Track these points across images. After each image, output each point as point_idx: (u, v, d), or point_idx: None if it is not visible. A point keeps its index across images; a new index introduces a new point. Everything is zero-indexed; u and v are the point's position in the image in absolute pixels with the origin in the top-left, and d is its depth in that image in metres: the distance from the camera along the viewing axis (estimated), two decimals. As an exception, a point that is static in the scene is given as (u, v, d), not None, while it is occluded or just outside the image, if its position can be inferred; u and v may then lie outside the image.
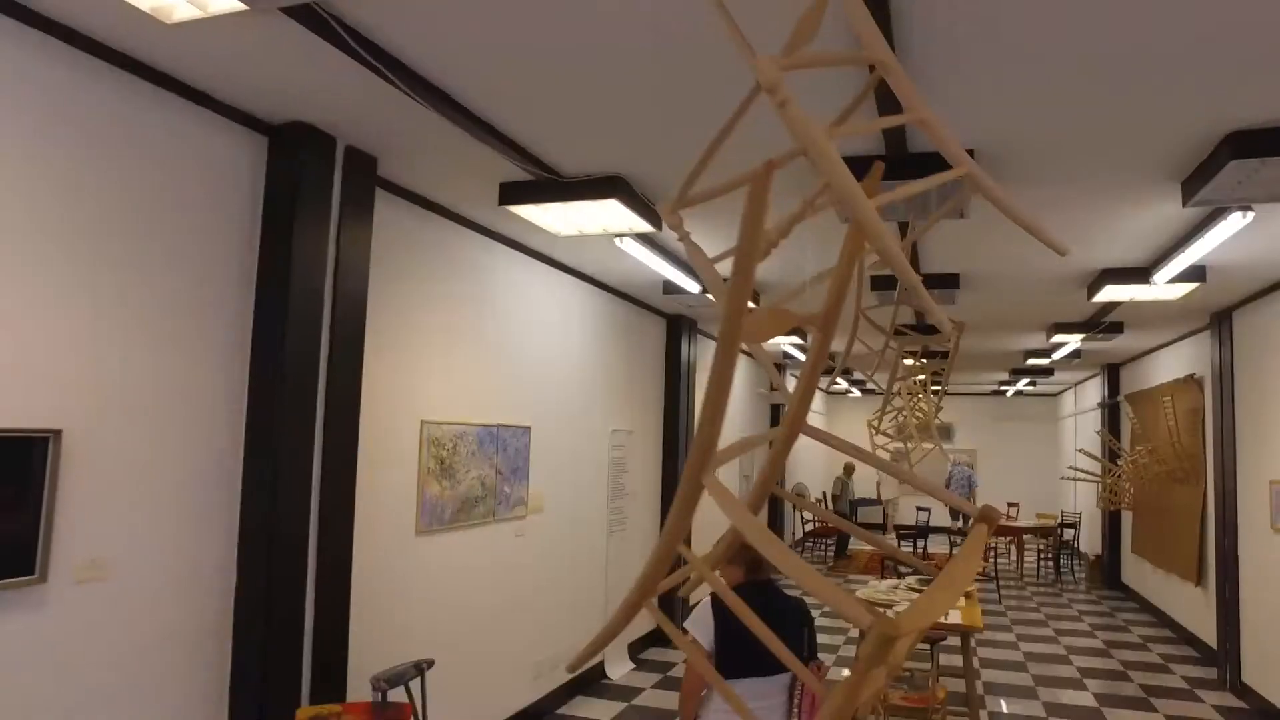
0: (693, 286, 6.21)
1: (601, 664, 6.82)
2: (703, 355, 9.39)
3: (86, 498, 2.78)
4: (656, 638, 7.91)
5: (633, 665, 7.22)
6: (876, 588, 6.27)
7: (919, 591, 6.20)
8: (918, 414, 6.83)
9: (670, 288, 6.55)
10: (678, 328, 8.45)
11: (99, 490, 2.83)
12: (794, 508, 13.70)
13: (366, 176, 3.86)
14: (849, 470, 14.47)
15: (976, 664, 7.47)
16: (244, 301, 3.41)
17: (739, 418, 11.41)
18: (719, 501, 0.96)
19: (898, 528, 15.35)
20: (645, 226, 4.45)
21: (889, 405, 6.39)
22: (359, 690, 3.73)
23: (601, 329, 6.88)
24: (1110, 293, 5.78)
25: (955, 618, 5.41)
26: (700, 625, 2.94)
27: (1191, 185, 3.69)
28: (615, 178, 3.96)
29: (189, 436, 3.16)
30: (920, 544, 12.66)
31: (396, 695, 3.81)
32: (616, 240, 4.88)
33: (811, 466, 16.91)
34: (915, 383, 7.71)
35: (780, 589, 3.16)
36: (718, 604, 2.93)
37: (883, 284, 5.43)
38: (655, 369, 8.22)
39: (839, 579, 12.03)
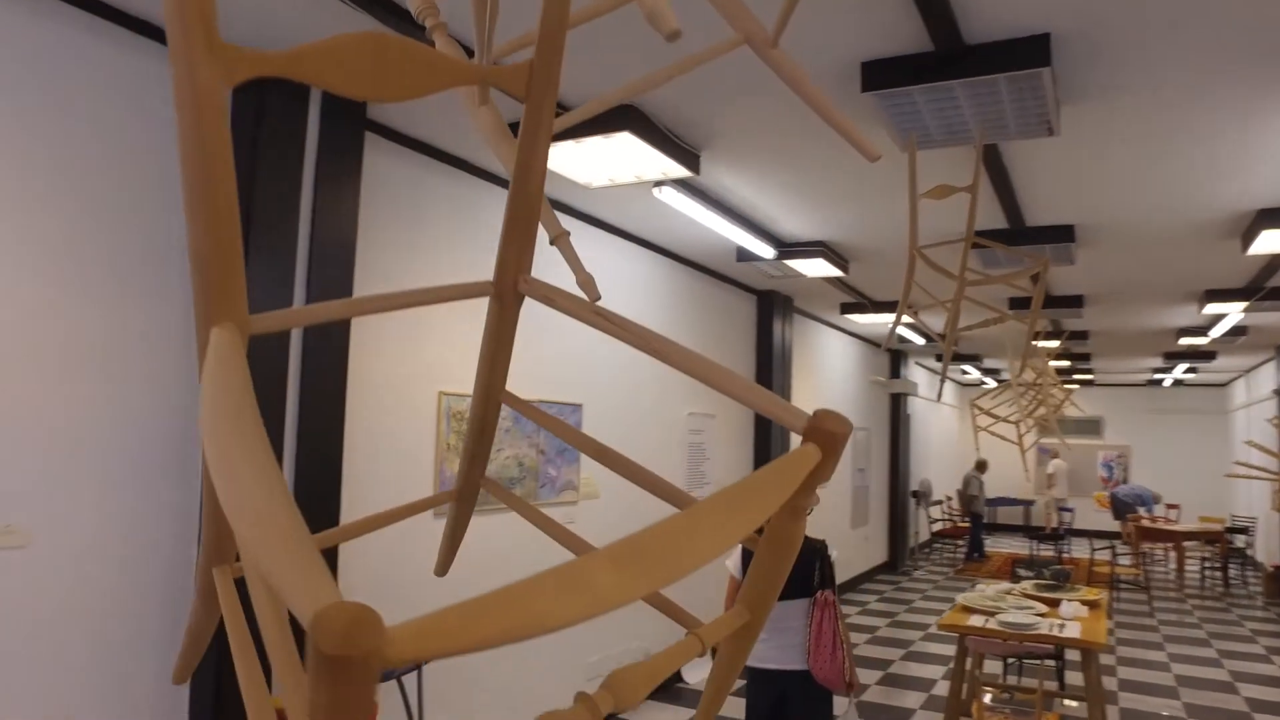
0: (767, 252, 5.59)
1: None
2: (800, 334, 8.69)
3: (6, 459, 2.52)
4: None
5: (714, 669, 6.64)
6: (983, 592, 5.44)
7: (1035, 598, 5.34)
8: (1046, 399, 5.93)
9: (744, 255, 5.95)
10: (770, 305, 7.80)
11: (22, 451, 2.57)
12: (918, 505, 12.69)
13: (353, 123, 3.50)
14: (981, 466, 13.27)
15: (1114, 686, 6.46)
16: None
17: (852, 406, 10.59)
18: None
19: (1028, 529, 14.07)
20: (680, 170, 3.91)
21: (1016, 382, 5.58)
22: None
23: (675, 304, 6.35)
24: (1270, 241, 4.74)
25: (1072, 630, 4.55)
26: (733, 561, 3.73)
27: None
28: (626, 107, 3.43)
29: (138, 398, 2.88)
30: (1060, 546, 11.40)
31: (388, 691, 3.44)
32: (655, 191, 4.35)
33: (943, 461, 15.71)
34: (1043, 360, 6.77)
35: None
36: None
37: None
38: (744, 349, 7.61)
39: (966, 581, 10.98)
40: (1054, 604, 5.16)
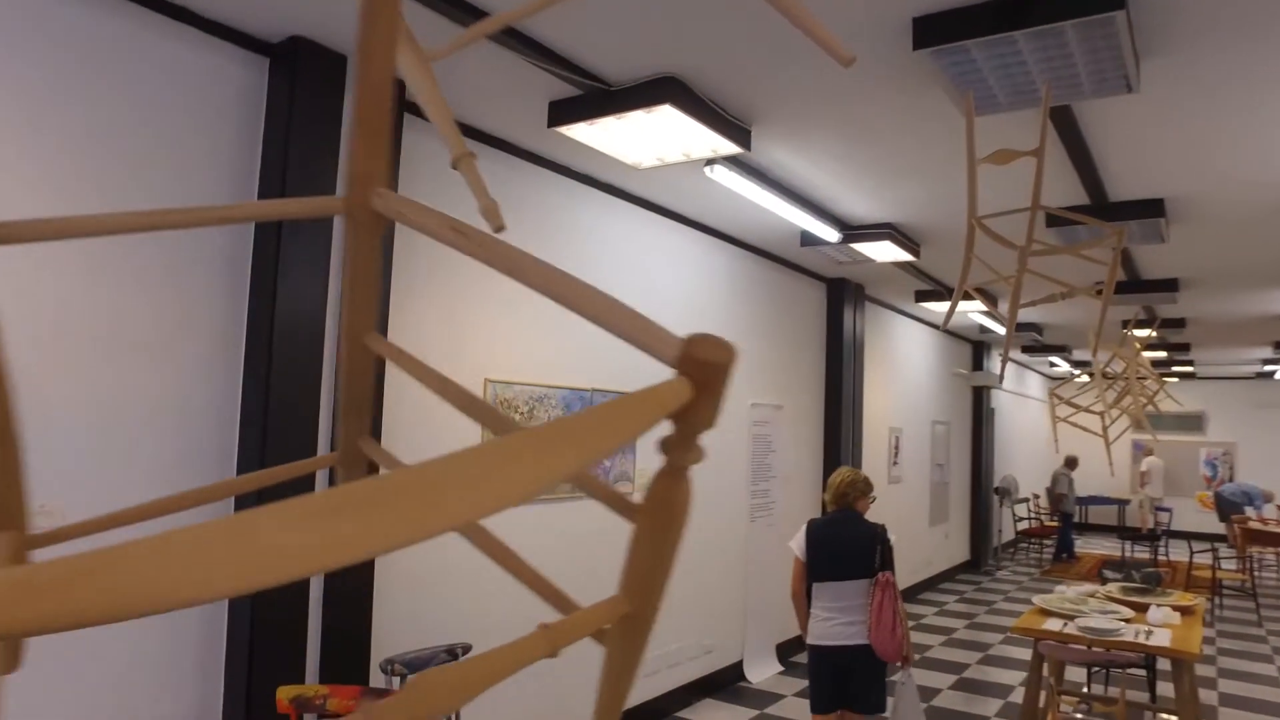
0: (831, 235, 5.35)
1: (740, 663, 6.11)
2: (874, 324, 8.38)
3: (39, 442, 2.53)
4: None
5: (780, 668, 6.44)
6: (1063, 594, 5.10)
7: (1121, 602, 4.97)
8: (1136, 391, 5.52)
9: (808, 239, 5.72)
10: (840, 293, 7.52)
11: (60, 434, 2.58)
12: (1000, 503, 12.14)
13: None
14: (1071, 463, 12.62)
15: (1214, 700, 6.00)
16: (242, 244, 3.09)
17: (930, 399, 10.19)
18: None
19: (1121, 530, 13.35)
20: (730, 146, 3.74)
21: (1101, 370, 5.20)
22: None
23: (738, 290, 6.16)
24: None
25: (1160, 638, 4.20)
26: (797, 542, 4.00)
27: None
28: (667, 79, 3.28)
29: (179, 385, 2.87)
30: (1156, 548, 10.73)
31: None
32: (706, 170, 4.18)
33: (1031, 458, 15.03)
34: (1132, 349, 6.34)
35: (859, 516, 3.96)
36: (809, 527, 3.99)
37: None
38: (813, 338, 7.36)
39: (1052, 583, 10.44)
40: (1142, 609, 4.79)
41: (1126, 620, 4.56)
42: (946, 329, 10.50)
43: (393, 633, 3.53)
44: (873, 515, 4.06)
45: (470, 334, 3.99)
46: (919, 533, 9.83)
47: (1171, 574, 6.93)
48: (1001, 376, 2.97)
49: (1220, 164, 4.05)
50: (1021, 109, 3.07)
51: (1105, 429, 5.09)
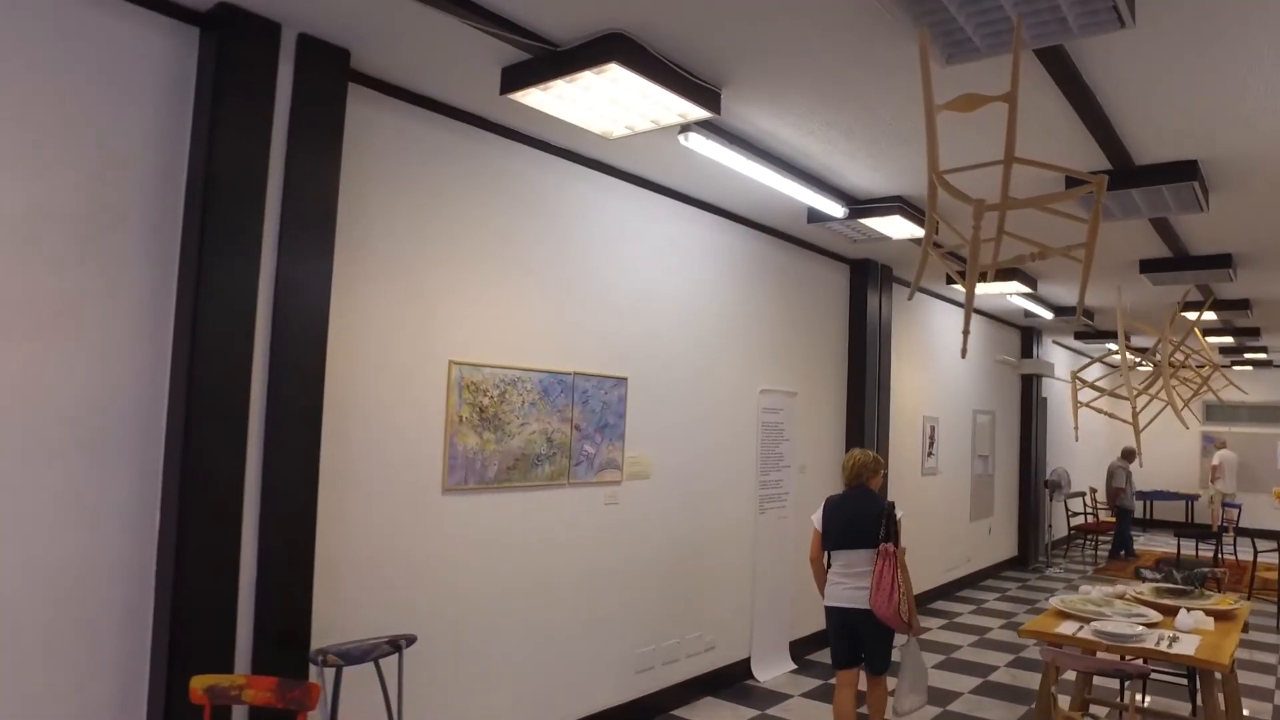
0: (836, 210, 5.04)
1: (748, 660, 5.86)
2: (904, 308, 7.98)
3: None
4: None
5: (793, 666, 6.16)
6: (1088, 594, 4.72)
7: (1150, 604, 4.57)
8: (1170, 378, 5.08)
9: (814, 215, 5.41)
10: (864, 275, 7.17)
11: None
12: (1050, 497, 11.55)
13: (334, 73, 3.27)
14: (1128, 455, 11.95)
15: (1267, 715, 5.52)
16: (170, 219, 2.96)
17: (969, 387, 9.72)
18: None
19: (1179, 526, 12.66)
20: (698, 110, 3.48)
21: (1123, 352, 4.78)
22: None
23: (751, 272, 5.87)
24: None
25: (1186, 646, 3.82)
26: (816, 515, 4.47)
27: None
28: (613, 35, 3.03)
29: (88, 364, 2.76)
30: (1219, 545, 10.07)
31: (362, 674, 3.23)
32: (681, 139, 3.92)
33: (1088, 451, 14.32)
34: (1170, 332, 5.86)
35: (871, 492, 4.42)
36: (827, 501, 4.49)
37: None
38: (835, 323, 7.02)
39: (1105, 582, 9.88)
40: (1172, 612, 4.39)
41: (1152, 625, 4.17)
42: (983, 312, 10.00)
43: (336, 623, 3.38)
44: (900, 500, 4.58)
45: (435, 314, 3.82)
46: (958, 527, 9.39)
47: (1231, 574, 6.42)
48: (964, 351, 2.66)
49: (1257, 112, 3.61)
50: (1001, 53, 2.74)
51: (1135, 415, 4.66)
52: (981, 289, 7.74)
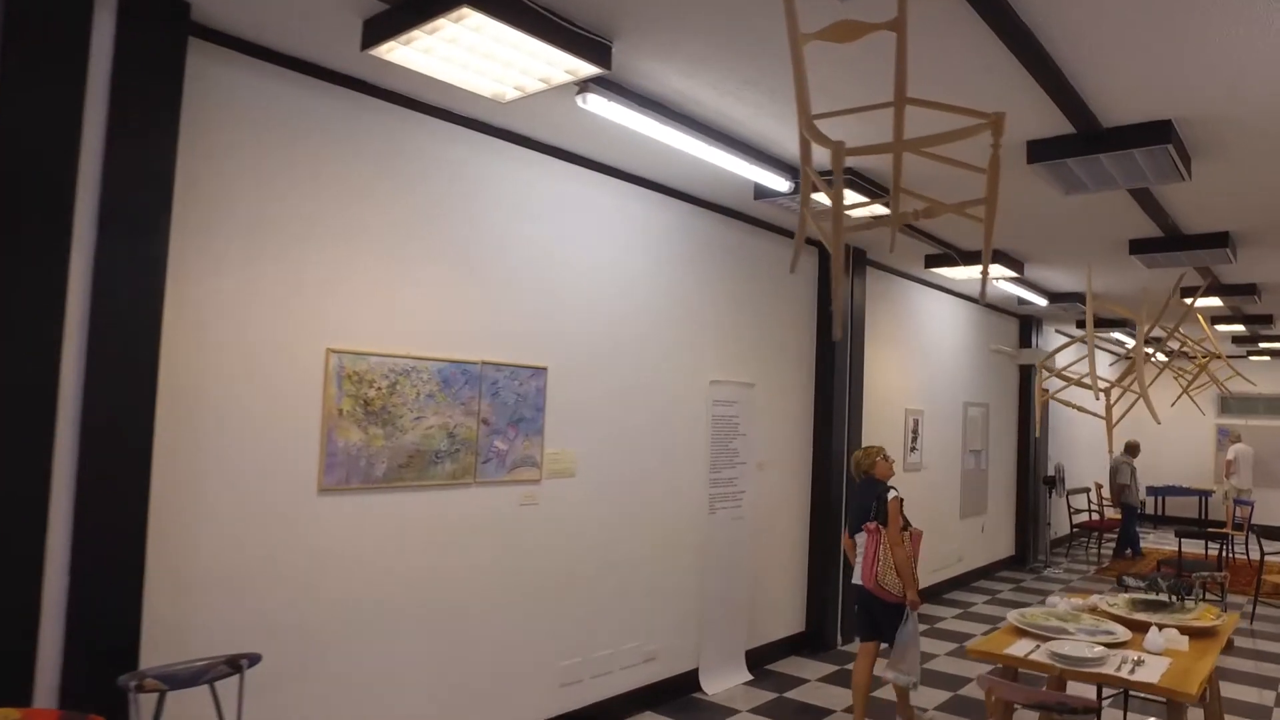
0: (779, 183, 4.60)
1: (695, 672, 5.45)
2: (882, 294, 7.52)
3: None
4: (805, 643, 6.33)
5: (748, 677, 5.75)
6: (1053, 608, 4.27)
7: (1120, 620, 4.12)
8: (1143, 367, 4.60)
9: (761, 191, 4.97)
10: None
11: None
12: (1051, 494, 11.03)
13: (169, 28, 2.89)
14: (1132, 449, 11.40)
15: (1255, 730, 5.05)
16: None
17: (961, 379, 9.24)
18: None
19: (1185, 522, 12.11)
20: (585, 66, 3.08)
21: (1090, 340, 4.31)
22: (174, 693, 2.80)
23: (691, 255, 5.45)
24: None
25: (1151, 672, 3.38)
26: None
27: None
28: (462, -31, 2.63)
29: None
30: (1224, 544, 9.52)
31: (196, 698, 2.86)
32: (579, 101, 3.50)
33: (1092, 447, 13.76)
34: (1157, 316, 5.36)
35: (875, 480, 4.84)
36: (848, 492, 5.46)
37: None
38: (800, 310, 6.58)
39: (1107, 582, 9.39)
40: (1144, 629, 3.94)
41: (1116, 645, 3.73)
42: (986, 303, 9.50)
43: (177, 642, 3.02)
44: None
45: (304, 297, 3.44)
46: (948, 526, 8.93)
47: (1229, 578, 5.94)
48: (835, 333, 2.25)
49: (1244, 70, 3.14)
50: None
51: (1109, 408, 4.20)
52: (958, 273, 7.27)
